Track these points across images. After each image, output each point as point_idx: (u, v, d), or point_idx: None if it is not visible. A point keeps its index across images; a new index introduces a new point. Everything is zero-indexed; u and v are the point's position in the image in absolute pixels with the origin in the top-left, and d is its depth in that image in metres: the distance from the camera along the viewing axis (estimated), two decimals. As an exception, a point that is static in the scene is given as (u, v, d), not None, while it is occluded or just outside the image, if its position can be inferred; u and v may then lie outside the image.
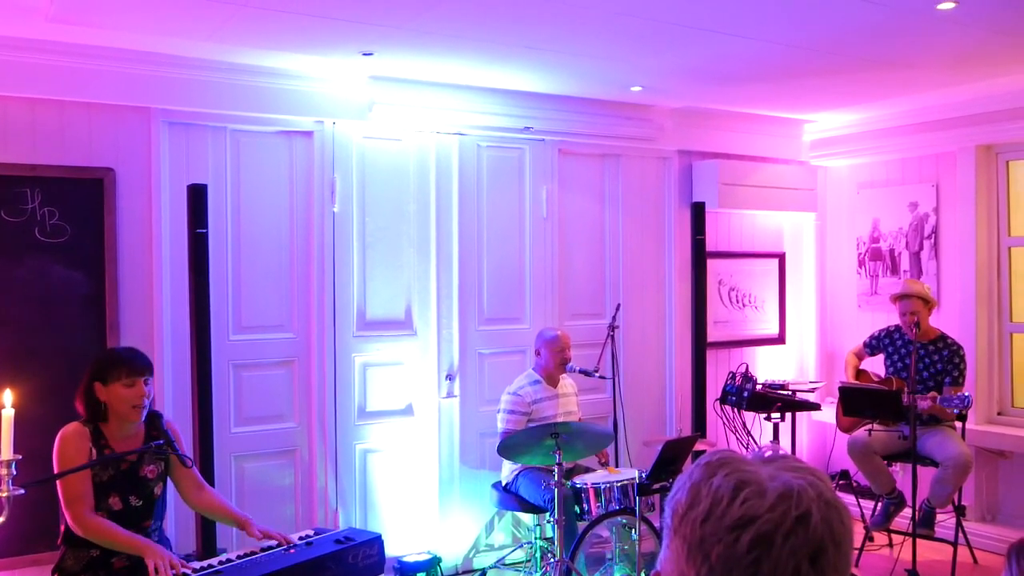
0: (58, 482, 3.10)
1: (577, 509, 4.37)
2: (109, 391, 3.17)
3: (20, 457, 2.59)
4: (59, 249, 4.13)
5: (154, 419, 3.29)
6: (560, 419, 4.68)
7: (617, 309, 5.36)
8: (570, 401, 4.92)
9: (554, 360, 4.81)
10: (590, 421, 5.09)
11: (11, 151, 4.04)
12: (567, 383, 4.96)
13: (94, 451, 3.14)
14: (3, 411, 2.49)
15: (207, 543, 4.06)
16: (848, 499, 5.72)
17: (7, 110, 4.05)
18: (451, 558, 5.07)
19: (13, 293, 4.04)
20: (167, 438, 3.19)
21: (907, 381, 4.97)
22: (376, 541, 3.44)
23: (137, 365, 3.20)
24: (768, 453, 1.07)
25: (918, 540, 4.81)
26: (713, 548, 0.98)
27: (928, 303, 5.08)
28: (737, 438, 5.44)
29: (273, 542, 3.33)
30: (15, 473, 2.52)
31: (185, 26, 3.83)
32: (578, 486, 4.37)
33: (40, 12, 3.61)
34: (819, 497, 1.00)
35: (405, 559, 4.79)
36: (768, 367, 6.29)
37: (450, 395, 5.12)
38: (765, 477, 1.02)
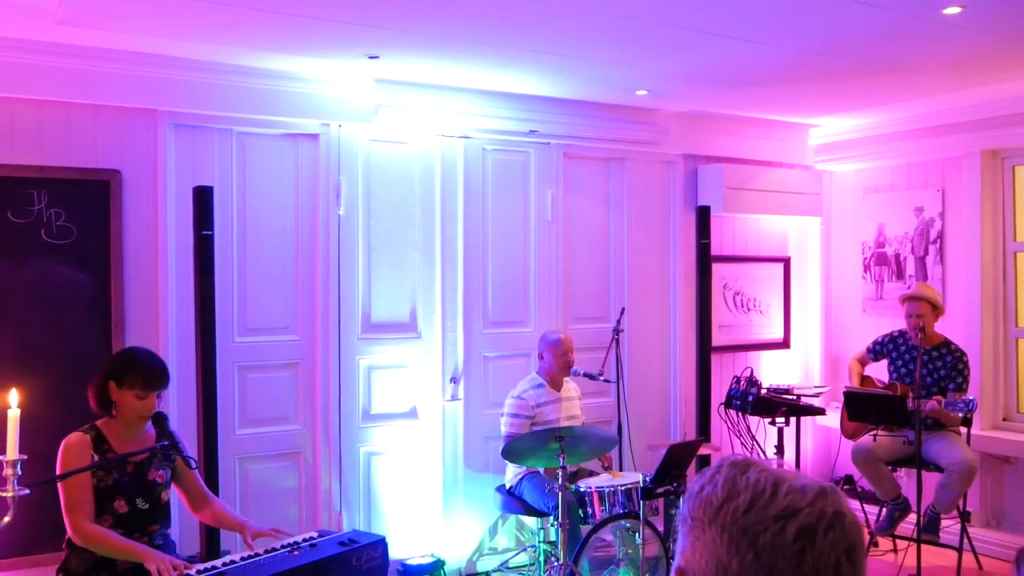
0: (60, 490, 3.11)
1: (581, 513, 4.37)
2: (121, 394, 3.20)
3: (26, 457, 2.60)
4: (65, 250, 4.15)
5: (162, 421, 3.29)
6: (563, 423, 4.68)
7: (622, 313, 5.35)
8: (573, 405, 4.92)
9: (557, 363, 4.80)
10: (594, 425, 5.09)
11: (18, 152, 4.06)
12: (570, 387, 4.96)
13: (96, 458, 3.16)
14: (9, 411, 2.49)
15: (211, 545, 4.07)
16: (852, 504, 5.69)
17: (14, 112, 4.06)
18: (455, 561, 5.07)
19: (19, 294, 4.06)
20: (172, 439, 3.19)
21: (911, 386, 4.96)
22: (380, 544, 3.44)
23: (155, 381, 3.21)
24: (775, 465, 1.13)
25: (923, 546, 4.80)
26: (760, 536, 1.01)
27: (936, 309, 5.07)
28: (742, 442, 5.43)
29: (277, 544, 3.33)
30: (20, 474, 2.52)
31: (191, 28, 3.84)
32: (582, 490, 4.36)
33: (48, 14, 3.62)
34: (844, 501, 1.07)
35: (409, 562, 4.79)
36: (773, 371, 6.29)
37: (454, 398, 5.12)
38: (800, 476, 1.07)
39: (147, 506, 3.25)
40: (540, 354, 4.90)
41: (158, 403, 3.25)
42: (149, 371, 3.22)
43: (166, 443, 3.21)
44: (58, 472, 3.10)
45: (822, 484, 1.06)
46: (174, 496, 3.50)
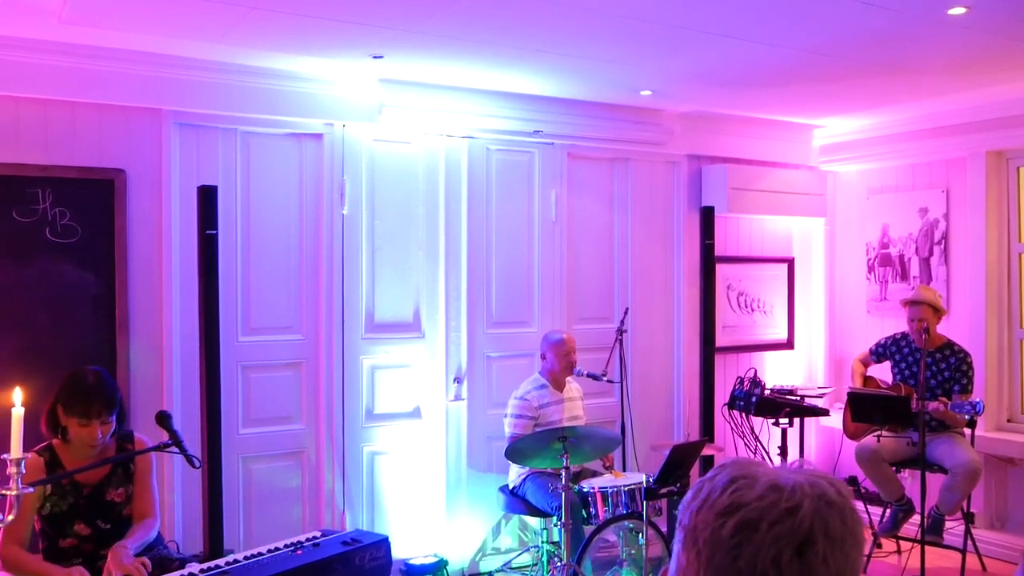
0: None
1: (584, 513, 4.37)
2: (68, 421, 3.14)
3: (30, 456, 2.60)
4: (70, 249, 4.15)
5: (165, 420, 3.26)
6: (566, 423, 4.68)
7: (625, 313, 5.35)
8: (576, 405, 4.91)
9: (560, 363, 4.80)
10: (598, 425, 5.09)
11: (23, 152, 4.06)
12: (573, 387, 4.96)
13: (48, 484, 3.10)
14: (13, 410, 2.49)
15: (214, 544, 4.07)
16: (856, 505, 5.70)
17: (19, 111, 4.07)
18: (458, 561, 5.07)
19: (24, 293, 4.06)
20: (175, 437, 3.17)
21: (915, 388, 4.95)
22: (383, 543, 3.44)
23: (94, 408, 3.11)
24: (794, 464, 1.12)
25: (926, 547, 4.79)
26: (702, 534, 1.04)
27: (937, 311, 5.06)
28: (745, 443, 5.43)
29: (281, 543, 3.33)
30: (23, 472, 2.52)
31: (196, 28, 3.85)
32: (585, 490, 4.36)
33: (53, 14, 3.63)
34: (819, 496, 1.04)
35: (412, 561, 4.79)
36: (776, 372, 6.28)
37: (458, 398, 5.12)
38: (765, 474, 1.07)
39: (109, 526, 3.22)
40: (543, 354, 4.90)
41: (108, 430, 3.17)
42: (89, 399, 3.11)
43: (169, 441, 3.20)
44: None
45: (786, 479, 1.05)
46: (178, 495, 3.50)
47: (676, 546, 1.09)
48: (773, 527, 1.01)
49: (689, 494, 1.10)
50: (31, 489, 2.58)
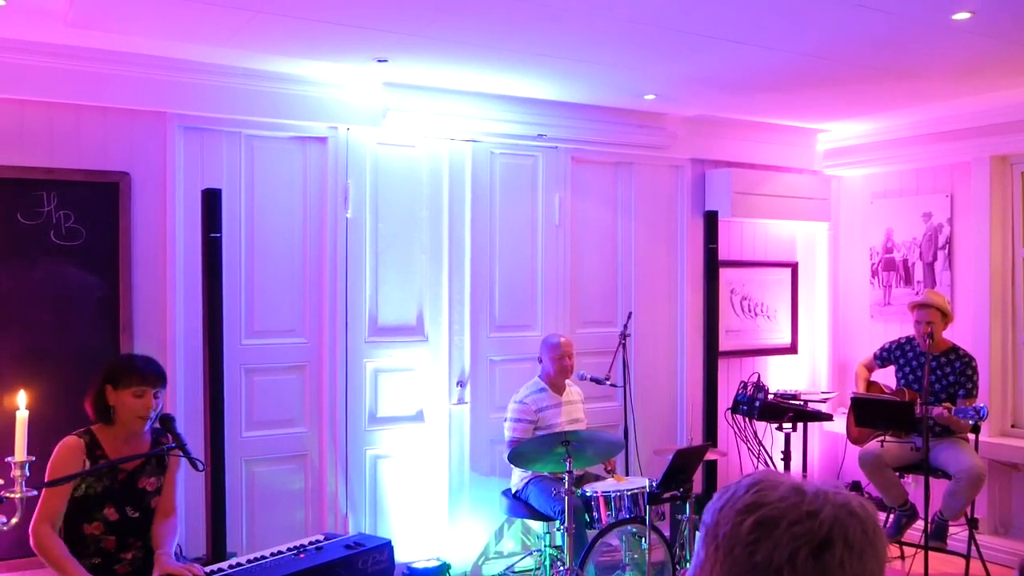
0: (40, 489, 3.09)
1: (587, 517, 4.36)
2: (118, 396, 3.17)
3: (34, 459, 2.61)
4: (74, 252, 4.16)
5: (169, 423, 3.26)
6: (565, 427, 4.68)
7: (629, 317, 5.34)
8: (575, 409, 4.91)
9: (555, 367, 4.80)
10: (601, 429, 5.08)
11: (28, 154, 4.07)
12: (573, 391, 4.95)
13: (87, 463, 3.12)
14: (17, 412, 2.50)
15: (217, 547, 4.07)
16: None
17: (24, 113, 4.08)
18: (460, 565, 5.07)
19: (28, 295, 4.07)
20: (179, 440, 3.17)
21: (920, 393, 4.94)
22: (386, 547, 3.45)
23: (149, 376, 3.20)
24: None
25: (930, 553, 4.78)
26: (722, 529, 1.07)
27: (945, 316, 5.05)
28: (748, 448, 5.42)
29: (284, 547, 3.33)
30: (28, 475, 2.53)
31: (201, 31, 3.86)
32: (588, 494, 4.36)
33: (58, 17, 3.64)
34: (842, 505, 1.07)
35: (414, 565, 4.79)
36: (780, 377, 6.27)
37: (461, 401, 5.12)
38: (789, 480, 1.10)
39: (137, 515, 3.22)
40: (539, 358, 4.91)
41: (157, 404, 3.21)
42: (143, 368, 3.22)
43: (168, 447, 3.20)
44: (47, 471, 3.07)
45: (811, 485, 1.08)
46: (181, 498, 3.49)
47: (697, 544, 1.12)
48: (792, 527, 1.03)
49: (714, 496, 1.13)
50: (35, 492, 2.58)
